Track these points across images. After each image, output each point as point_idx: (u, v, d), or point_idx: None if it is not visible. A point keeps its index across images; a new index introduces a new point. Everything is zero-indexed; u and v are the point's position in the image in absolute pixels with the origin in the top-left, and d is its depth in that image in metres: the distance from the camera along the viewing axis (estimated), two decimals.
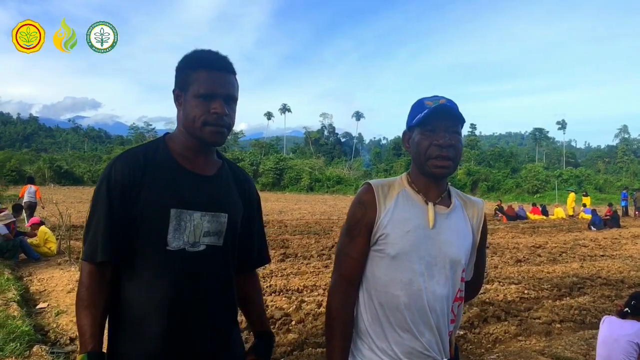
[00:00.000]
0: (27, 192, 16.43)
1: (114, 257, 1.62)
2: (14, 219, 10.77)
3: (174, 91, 1.74)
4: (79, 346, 1.60)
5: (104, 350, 1.62)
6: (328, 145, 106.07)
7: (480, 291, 7.58)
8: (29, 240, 10.44)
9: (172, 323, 1.63)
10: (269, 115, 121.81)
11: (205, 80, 1.66)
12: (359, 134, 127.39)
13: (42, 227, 10.85)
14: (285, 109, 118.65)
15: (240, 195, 1.87)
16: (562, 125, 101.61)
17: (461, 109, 1.71)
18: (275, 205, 31.68)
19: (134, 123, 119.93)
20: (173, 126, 1.90)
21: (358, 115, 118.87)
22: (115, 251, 1.62)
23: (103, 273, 1.62)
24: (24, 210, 15.11)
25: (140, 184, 1.63)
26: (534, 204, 27.32)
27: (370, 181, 1.83)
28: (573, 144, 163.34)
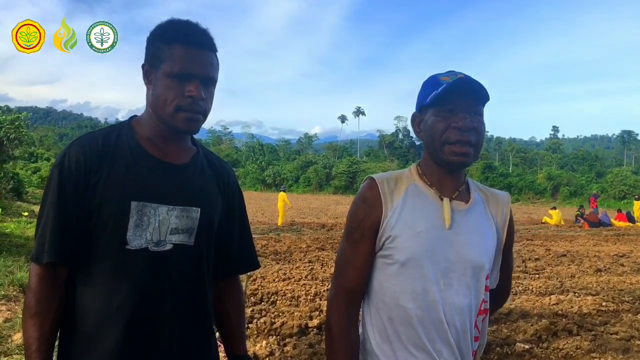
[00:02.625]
0: None
1: (63, 257, 1.38)
2: None
3: (143, 66, 1.50)
4: None
5: None
6: (402, 148, 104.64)
7: (553, 302, 7.14)
8: None
9: (130, 336, 1.39)
10: (342, 119, 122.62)
11: (181, 57, 1.41)
12: None
13: None
14: (359, 112, 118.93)
15: (218, 187, 1.62)
16: None
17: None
18: (344, 209, 31.53)
19: (212, 127, 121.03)
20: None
21: None
22: (66, 251, 1.38)
23: (55, 276, 1.39)
24: None
25: (97, 173, 1.40)
26: (619, 210, 25.60)
27: (374, 175, 1.56)
28: None
